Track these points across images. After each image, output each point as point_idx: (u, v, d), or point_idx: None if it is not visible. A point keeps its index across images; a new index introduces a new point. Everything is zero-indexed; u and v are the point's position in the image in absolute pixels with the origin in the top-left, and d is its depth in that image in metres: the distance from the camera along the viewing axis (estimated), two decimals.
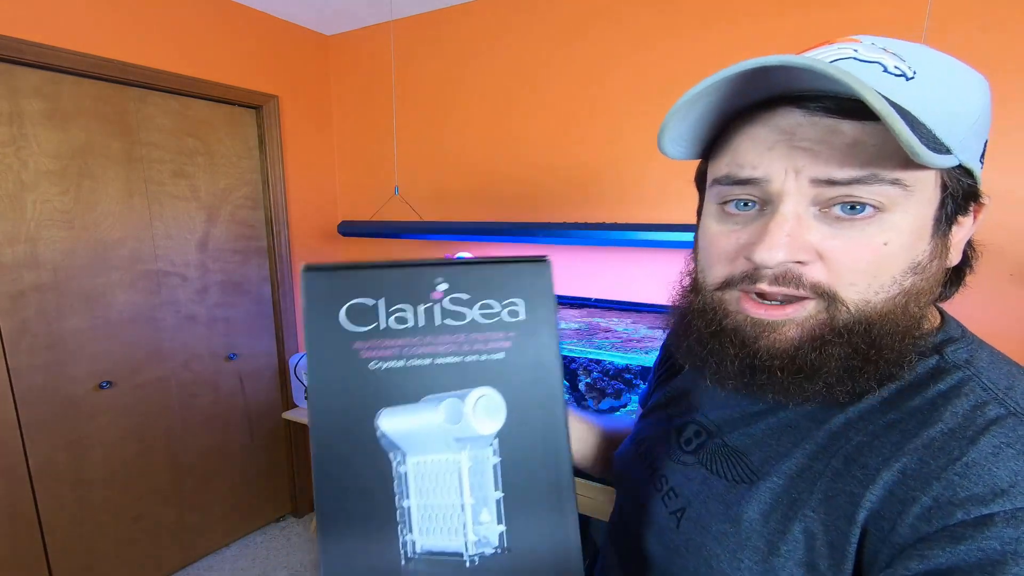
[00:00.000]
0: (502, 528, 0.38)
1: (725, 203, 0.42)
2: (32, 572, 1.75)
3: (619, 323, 1.71)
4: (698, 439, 0.52)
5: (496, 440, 0.38)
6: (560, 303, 2.00)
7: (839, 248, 0.37)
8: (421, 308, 0.39)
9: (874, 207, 0.36)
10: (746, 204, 0.41)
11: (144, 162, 1.88)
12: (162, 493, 2.07)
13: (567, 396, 1.69)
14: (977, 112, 0.37)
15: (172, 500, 2.10)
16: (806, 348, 0.39)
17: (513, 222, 1.95)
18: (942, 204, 0.38)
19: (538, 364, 0.39)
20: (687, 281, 0.49)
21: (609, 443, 0.73)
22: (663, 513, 0.51)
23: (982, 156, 0.39)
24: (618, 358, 1.50)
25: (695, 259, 0.48)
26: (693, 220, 0.51)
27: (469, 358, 0.39)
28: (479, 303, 0.39)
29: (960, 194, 0.39)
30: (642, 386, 1.62)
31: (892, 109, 0.31)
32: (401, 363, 0.38)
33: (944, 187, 0.38)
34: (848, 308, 0.38)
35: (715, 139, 0.44)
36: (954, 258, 0.41)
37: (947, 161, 0.34)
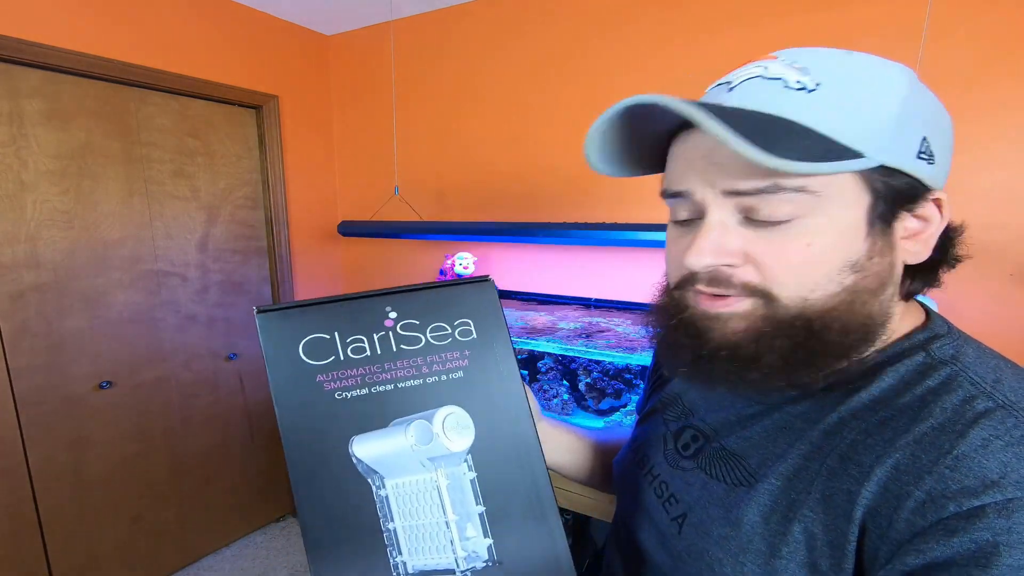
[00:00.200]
0: (489, 541, 0.38)
1: (675, 213, 0.46)
2: (32, 572, 1.75)
3: (619, 323, 1.71)
4: (696, 444, 0.52)
5: (469, 456, 0.39)
6: (560, 303, 2.00)
7: (765, 251, 0.40)
8: (376, 337, 0.40)
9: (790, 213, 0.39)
10: (688, 214, 0.44)
11: (144, 162, 1.88)
12: (162, 493, 2.07)
13: (567, 396, 1.68)
14: (895, 109, 0.38)
15: (172, 500, 2.10)
16: (748, 339, 0.41)
17: (513, 222, 1.95)
18: (874, 204, 0.39)
19: (498, 378, 0.41)
20: (662, 282, 0.52)
21: (603, 452, 0.73)
22: (665, 519, 0.51)
23: (925, 151, 0.39)
24: (618, 358, 1.50)
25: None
26: None
27: (430, 379, 0.40)
28: (430, 326, 0.41)
29: (895, 193, 0.39)
30: (642, 386, 1.62)
31: (720, 125, 0.34)
32: (365, 391, 0.39)
33: (873, 188, 0.39)
34: (785, 305, 0.40)
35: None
36: (919, 253, 0.42)
37: (845, 166, 0.36)
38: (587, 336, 1.59)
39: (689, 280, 0.43)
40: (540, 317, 1.81)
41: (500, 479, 0.39)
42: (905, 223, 0.41)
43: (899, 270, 0.42)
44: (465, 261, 2.02)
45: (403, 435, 0.39)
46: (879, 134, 0.37)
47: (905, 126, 0.38)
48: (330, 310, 0.40)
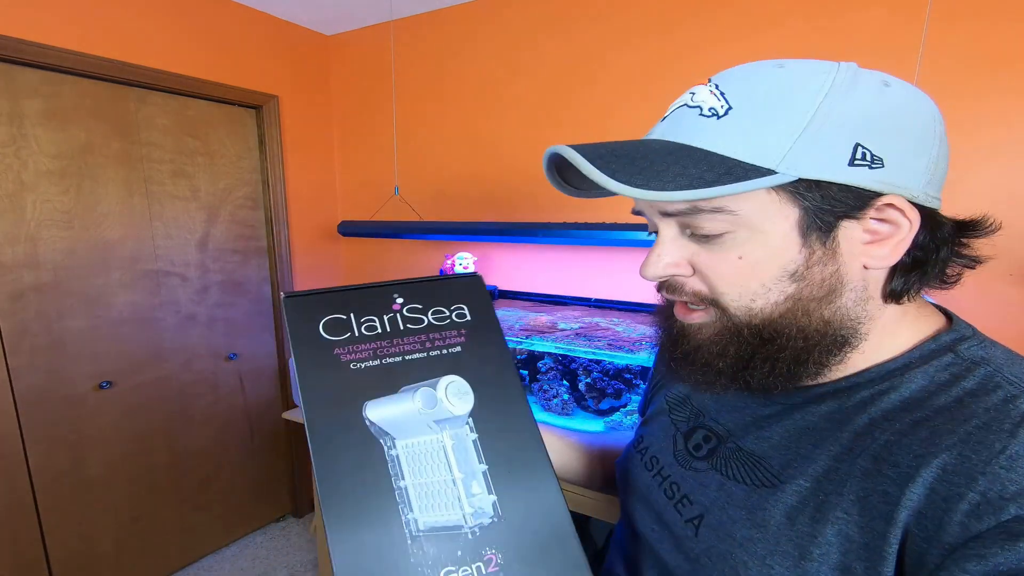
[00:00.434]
0: (493, 498, 0.42)
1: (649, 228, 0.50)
2: (32, 572, 1.75)
3: (619, 323, 1.71)
4: (708, 444, 0.52)
5: (470, 419, 0.44)
6: (560, 303, 2.00)
7: (706, 263, 0.43)
8: (386, 317, 0.47)
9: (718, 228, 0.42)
10: (650, 229, 0.48)
11: (144, 162, 1.88)
12: (162, 493, 2.07)
13: (567, 396, 1.68)
14: (804, 122, 0.38)
15: (172, 500, 2.10)
16: (711, 345, 0.45)
17: (513, 222, 1.95)
18: (804, 216, 0.40)
19: (491, 353, 0.47)
20: None
21: (596, 455, 0.73)
22: (678, 521, 0.50)
23: (863, 157, 0.38)
24: (618, 358, 1.50)
25: None
26: None
27: (433, 353, 0.46)
28: (431, 309, 0.48)
29: (830, 204, 0.39)
30: (642, 386, 1.62)
31: (596, 170, 0.38)
32: (377, 362, 0.44)
33: (801, 201, 0.39)
34: (734, 313, 0.43)
35: None
36: (885, 258, 0.41)
37: (746, 186, 0.37)
38: (587, 336, 1.59)
39: (658, 289, 0.49)
40: (540, 317, 1.81)
41: (499, 440, 0.44)
42: (857, 231, 0.40)
43: (855, 276, 0.42)
44: (465, 261, 2.02)
45: (411, 400, 0.43)
46: (791, 149, 0.38)
47: (822, 137, 0.37)
48: (346, 295, 0.47)
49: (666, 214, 0.44)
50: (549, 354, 1.79)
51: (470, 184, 2.15)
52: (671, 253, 0.45)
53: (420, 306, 0.48)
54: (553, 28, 1.87)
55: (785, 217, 0.40)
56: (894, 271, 0.43)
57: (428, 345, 0.46)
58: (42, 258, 1.68)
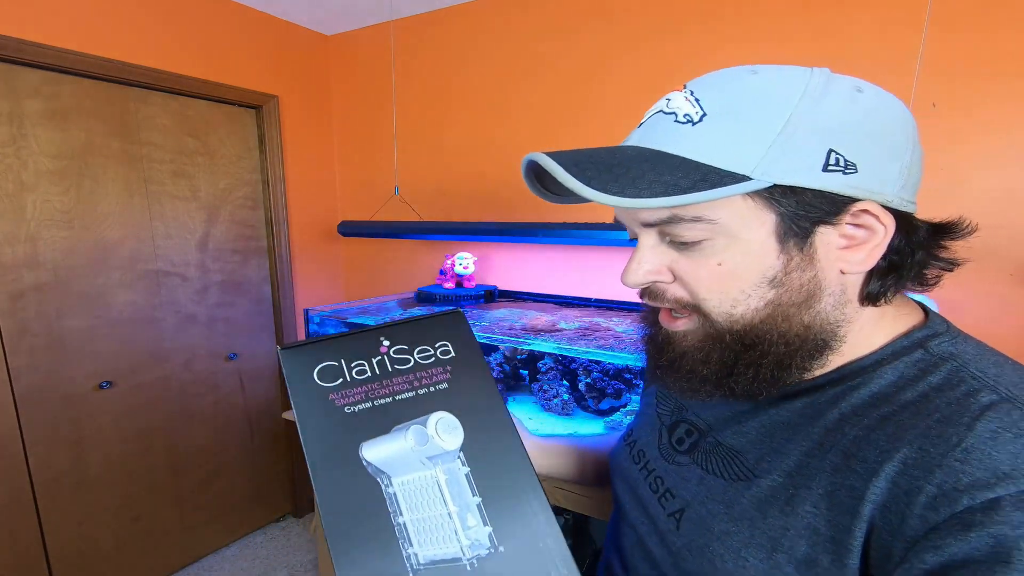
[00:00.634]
0: (489, 529, 0.43)
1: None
2: (32, 572, 1.75)
3: (619, 323, 1.71)
4: (690, 438, 0.53)
5: (462, 453, 0.46)
6: (560, 303, 2.00)
7: (685, 270, 0.44)
8: (374, 360, 0.49)
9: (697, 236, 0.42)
10: (631, 236, 0.49)
11: (144, 162, 1.88)
12: (162, 493, 2.07)
13: (567, 396, 1.68)
14: (778, 128, 0.38)
15: (172, 500, 2.10)
16: (695, 352, 0.46)
17: (513, 222, 1.95)
18: (780, 223, 0.40)
19: (477, 386, 0.49)
20: None
21: (586, 454, 0.74)
22: (662, 515, 0.51)
23: (836, 163, 0.38)
24: (618, 358, 1.50)
25: None
26: None
27: (421, 391, 0.48)
28: (417, 349, 0.50)
29: (805, 210, 0.39)
30: (642, 386, 1.62)
31: (572, 178, 0.38)
32: (369, 404, 0.47)
33: (777, 207, 0.39)
34: (716, 319, 0.44)
35: None
36: (861, 263, 0.41)
37: (720, 193, 0.38)
38: (587, 336, 1.59)
39: (640, 295, 0.49)
40: (540, 317, 1.81)
41: (491, 472, 0.45)
42: (834, 236, 0.41)
43: (833, 281, 0.42)
44: (465, 261, 2.02)
45: (403, 439, 0.45)
46: (765, 155, 0.38)
47: (795, 143, 0.38)
48: (336, 343, 0.49)
49: (646, 224, 0.44)
50: (549, 354, 1.79)
51: (470, 184, 2.15)
52: (650, 260, 0.45)
53: (406, 346, 0.50)
54: (553, 28, 1.87)
55: (762, 223, 0.40)
56: (871, 275, 0.43)
57: (416, 384, 0.48)
58: (42, 258, 1.68)
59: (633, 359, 1.49)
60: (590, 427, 1.61)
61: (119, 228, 1.84)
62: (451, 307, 0.52)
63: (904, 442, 0.38)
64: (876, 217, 0.40)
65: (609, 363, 1.69)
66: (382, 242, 2.46)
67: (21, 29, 1.54)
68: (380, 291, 2.52)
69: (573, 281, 2.00)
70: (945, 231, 0.44)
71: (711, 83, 0.42)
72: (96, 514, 1.88)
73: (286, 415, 2.39)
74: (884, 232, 0.40)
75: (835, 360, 0.45)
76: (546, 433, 1.48)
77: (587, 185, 0.38)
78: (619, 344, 1.51)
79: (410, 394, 0.48)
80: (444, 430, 0.46)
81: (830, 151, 0.38)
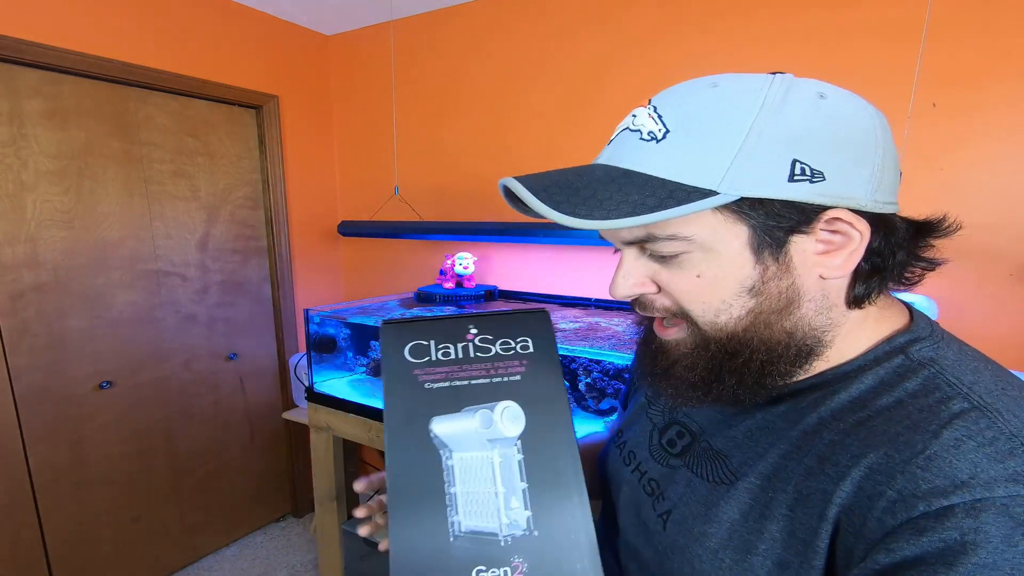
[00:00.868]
0: (528, 513, 0.47)
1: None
2: (32, 572, 1.75)
3: (619, 323, 1.71)
4: (682, 440, 0.53)
5: (519, 442, 0.49)
6: (561, 303, 2.00)
7: (668, 281, 0.44)
8: (460, 345, 0.53)
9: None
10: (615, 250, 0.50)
11: (144, 162, 1.88)
12: (162, 493, 2.07)
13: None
14: (738, 141, 0.38)
15: (172, 500, 2.10)
16: (684, 359, 0.47)
17: (513, 222, 1.95)
18: (753, 234, 0.40)
19: (546, 384, 0.52)
20: None
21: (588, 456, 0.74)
22: (652, 516, 0.52)
23: (802, 172, 0.38)
24: (618, 358, 1.50)
25: None
26: None
27: (495, 379, 0.52)
28: (499, 340, 0.54)
29: (776, 220, 0.39)
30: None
31: (540, 203, 0.40)
32: (447, 384, 0.51)
33: (748, 219, 0.40)
34: (703, 328, 0.44)
35: None
36: (840, 267, 0.41)
37: (687, 209, 0.38)
38: (587, 336, 1.59)
39: (631, 306, 0.50)
40: None
41: (542, 463, 0.48)
42: (809, 243, 0.41)
43: (812, 287, 0.42)
44: (465, 261, 2.02)
45: (471, 419, 0.50)
46: (729, 169, 0.38)
47: (758, 155, 0.38)
48: (430, 325, 0.54)
49: (625, 241, 0.45)
50: None
51: (470, 184, 2.15)
52: (634, 274, 0.46)
53: (491, 336, 0.54)
54: (554, 28, 1.87)
55: (736, 236, 0.41)
56: (856, 278, 0.43)
57: (492, 372, 0.52)
58: (42, 258, 1.68)
59: (633, 359, 1.49)
60: (590, 427, 1.61)
61: (119, 228, 1.84)
62: (536, 307, 0.55)
63: (873, 447, 0.38)
64: (850, 224, 0.40)
65: (609, 363, 1.69)
66: (382, 242, 2.46)
67: (21, 29, 1.54)
68: (380, 291, 2.52)
69: (573, 281, 2.00)
70: (928, 230, 0.44)
71: (671, 99, 0.42)
72: (96, 514, 1.89)
73: (286, 415, 2.39)
74: (860, 237, 0.40)
75: (821, 365, 0.45)
76: None
77: (556, 209, 0.39)
78: (619, 344, 1.51)
79: (485, 380, 0.51)
80: (508, 418, 0.50)
81: (795, 161, 0.38)
